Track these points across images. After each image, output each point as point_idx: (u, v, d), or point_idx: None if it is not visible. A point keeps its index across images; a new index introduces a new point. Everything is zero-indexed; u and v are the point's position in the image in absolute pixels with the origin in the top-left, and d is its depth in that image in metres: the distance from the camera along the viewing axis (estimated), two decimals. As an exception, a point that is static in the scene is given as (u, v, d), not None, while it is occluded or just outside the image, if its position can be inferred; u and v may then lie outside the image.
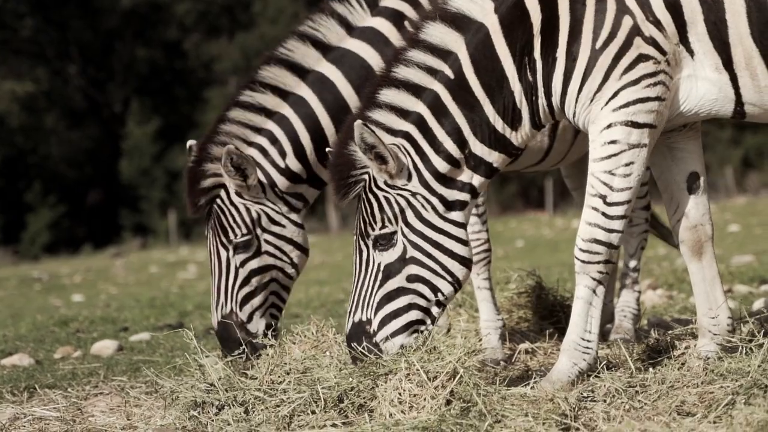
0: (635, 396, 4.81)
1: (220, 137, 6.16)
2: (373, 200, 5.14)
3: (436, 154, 5.14)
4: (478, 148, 5.16)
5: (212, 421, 4.97)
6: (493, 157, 5.19)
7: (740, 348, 5.10)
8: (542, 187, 39.38)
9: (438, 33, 5.16)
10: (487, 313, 6.51)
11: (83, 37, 48.22)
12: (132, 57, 48.64)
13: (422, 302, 5.13)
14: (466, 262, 5.17)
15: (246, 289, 6.14)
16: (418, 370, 4.72)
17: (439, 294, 5.14)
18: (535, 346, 6.56)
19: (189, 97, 47.90)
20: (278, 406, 4.93)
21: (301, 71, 6.18)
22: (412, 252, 5.13)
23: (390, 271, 5.12)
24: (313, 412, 4.82)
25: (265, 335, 6.05)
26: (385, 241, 5.13)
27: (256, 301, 6.15)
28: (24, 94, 45.44)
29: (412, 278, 5.13)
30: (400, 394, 4.72)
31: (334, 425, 4.69)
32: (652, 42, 5.00)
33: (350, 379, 4.89)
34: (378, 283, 5.12)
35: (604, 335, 6.86)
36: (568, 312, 6.69)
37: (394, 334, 5.08)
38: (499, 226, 26.81)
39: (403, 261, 5.13)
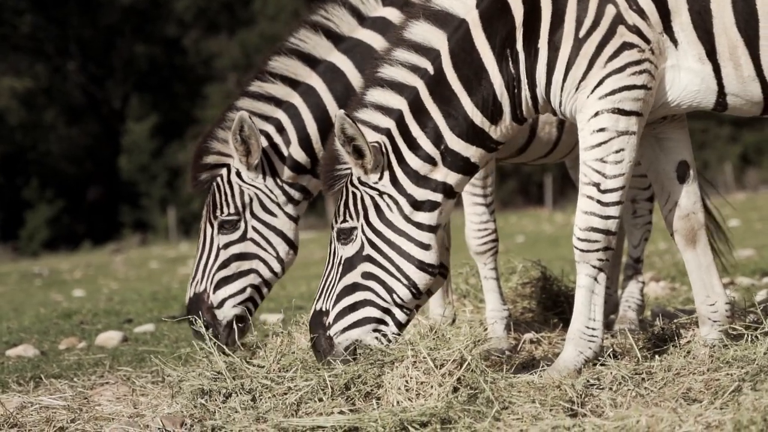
0: (641, 383, 4.84)
1: (228, 124, 6.18)
2: (344, 194, 5.21)
3: (410, 150, 5.16)
4: (454, 143, 5.16)
5: (219, 408, 4.98)
6: (471, 152, 5.18)
7: (746, 336, 5.12)
8: (542, 183, 39.35)
9: (421, 31, 5.17)
10: (493, 302, 6.51)
11: (83, 34, 48.17)
12: (131, 53, 48.60)
13: (379, 301, 5.17)
14: (425, 267, 5.18)
15: (223, 273, 6.15)
16: (425, 357, 4.74)
17: (395, 296, 5.17)
18: (540, 335, 6.58)
19: (188, 94, 47.84)
20: (285, 393, 4.94)
21: (312, 61, 6.20)
22: (368, 250, 5.18)
23: (349, 265, 5.20)
24: (321, 400, 4.83)
25: (231, 327, 6.03)
26: (345, 236, 5.21)
27: (232, 288, 6.15)
28: (23, 90, 45.41)
29: (366, 275, 5.18)
30: (407, 381, 4.73)
31: (341, 412, 4.70)
32: (635, 30, 4.99)
33: (357, 367, 4.90)
34: (339, 275, 5.21)
35: (608, 326, 6.88)
36: (572, 302, 6.66)
37: (348, 328, 5.16)
38: (500, 222, 26.62)
39: (360, 257, 5.19)
